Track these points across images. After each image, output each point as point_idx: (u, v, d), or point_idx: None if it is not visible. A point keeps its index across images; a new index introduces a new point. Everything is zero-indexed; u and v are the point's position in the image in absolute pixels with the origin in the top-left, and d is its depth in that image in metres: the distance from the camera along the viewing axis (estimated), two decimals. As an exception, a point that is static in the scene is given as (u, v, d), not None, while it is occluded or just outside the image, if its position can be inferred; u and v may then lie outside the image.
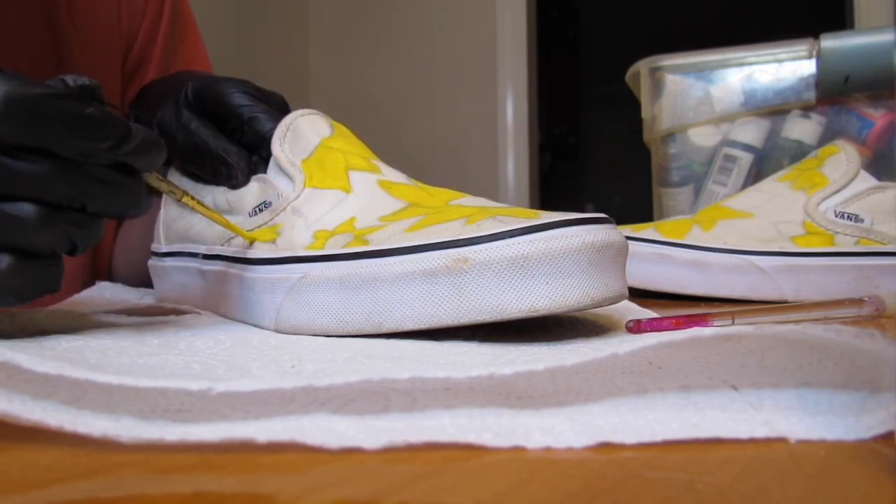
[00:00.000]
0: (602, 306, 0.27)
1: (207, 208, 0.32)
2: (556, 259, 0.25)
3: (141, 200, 0.28)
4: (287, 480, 0.15)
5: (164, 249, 0.41)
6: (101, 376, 0.17)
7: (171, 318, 0.33)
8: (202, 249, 0.37)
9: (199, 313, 0.35)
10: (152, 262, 0.43)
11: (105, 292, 0.46)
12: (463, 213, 0.28)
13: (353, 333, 0.28)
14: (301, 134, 0.35)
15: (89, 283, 0.55)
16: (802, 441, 0.16)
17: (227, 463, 0.16)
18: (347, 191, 0.33)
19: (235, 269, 0.33)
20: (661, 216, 0.74)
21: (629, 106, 0.91)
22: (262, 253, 0.32)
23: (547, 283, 0.25)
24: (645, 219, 0.60)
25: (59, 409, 0.17)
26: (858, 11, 1.79)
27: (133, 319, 0.32)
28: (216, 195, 0.37)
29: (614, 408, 0.18)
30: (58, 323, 0.30)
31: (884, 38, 0.65)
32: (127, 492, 0.14)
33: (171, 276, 0.40)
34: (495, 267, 0.25)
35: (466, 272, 0.25)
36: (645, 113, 0.77)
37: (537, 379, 0.18)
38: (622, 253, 0.28)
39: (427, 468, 0.15)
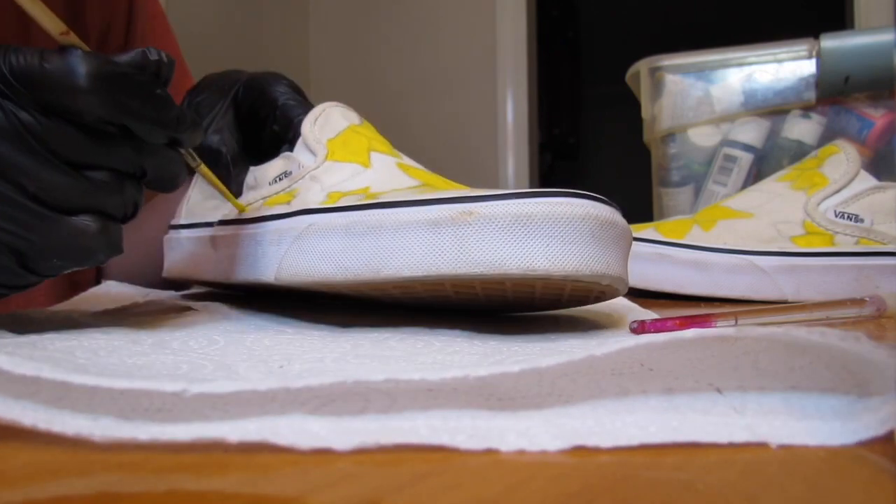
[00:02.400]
0: (601, 284, 0.27)
1: (218, 182, 0.35)
2: (558, 222, 0.26)
3: (184, 172, 0.30)
4: (287, 481, 0.15)
5: (184, 222, 0.42)
6: (78, 378, 0.17)
7: (171, 316, 0.33)
8: (218, 217, 0.38)
9: (199, 310, 0.35)
10: (168, 236, 0.43)
11: (111, 290, 0.47)
12: (467, 188, 0.30)
13: (350, 279, 0.28)
14: (331, 119, 0.37)
15: (70, 286, 0.57)
16: (784, 446, 0.16)
17: (229, 463, 0.16)
18: (367, 166, 0.34)
19: (248, 229, 0.34)
20: (661, 216, 0.74)
21: (629, 106, 0.91)
22: (274, 210, 0.33)
23: (547, 244, 0.26)
24: (645, 219, 0.60)
25: (37, 408, 0.17)
26: (858, 11, 1.79)
27: (131, 318, 0.32)
28: (256, 169, 0.39)
29: (593, 410, 0.18)
30: (57, 322, 0.30)
31: (884, 38, 0.65)
32: (130, 489, 0.14)
33: (183, 246, 0.41)
34: (499, 222, 0.26)
35: (470, 224, 0.26)
36: (645, 113, 0.77)
37: (522, 381, 0.18)
38: (624, 237, 0.28)
39: (428, 468, 0.15)
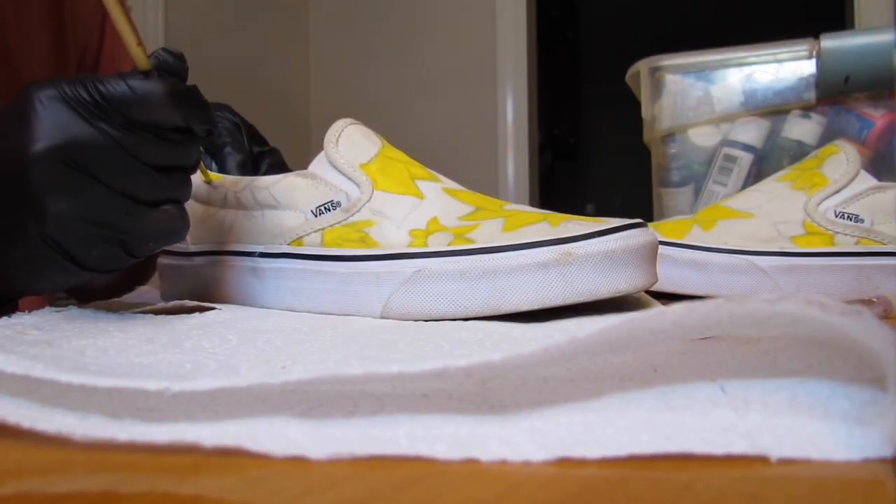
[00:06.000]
0: (648, 289, 0.34)
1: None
2: (631, 253, 0.32)
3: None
4: (287, 481, 0.15)
5: (195, 249, 0.42)
6: (66, 376, 0.17)
7: (194, 315, 0.34)
8: (258, 248, 0.38)
9: (221, 309, 0.36)
10: (173, 262, 0.43)
11: (145, 295, 0.48)
12: (535, 217, 0.34)
13: (471, 315, 0.32)
14: (355, 140, 0.39)
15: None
16: (784, 460, 0.15)
17: (226, 465, 0.16)
18: (421, 197, 0.37)
19: (314, 265, 0.36)
20: (661, 216, 0.74)
21: (629, 106, 0.91)
22: (357, 251, 0.35)
23: (625, 270, 0.32)
24: (645, 219, 0.59)
25: (30, 406, 0.17)
26: (858, 11, 1.79)
27: (154, 318, 0.33)
28: (255, 191, 0.39)
29: (583, 415, 0.17)
30: (82, 321, 0.30)
31: (884, 38, 0.65)
32: (131, 489, 0.14)
33: (202, 274, 0.41)
34: (592, 259, 0.31)
35: (571, 264, 0.31)
36: (645, 113, 0.77)
37: (522, 387, 0.18)
38: (657, 249, 0.36)
39: (428, 469, 0.15)
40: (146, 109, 0.30)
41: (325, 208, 0.37)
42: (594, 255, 0.31)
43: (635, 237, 0.33)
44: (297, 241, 0.37)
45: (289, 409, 0.17)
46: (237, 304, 0.39)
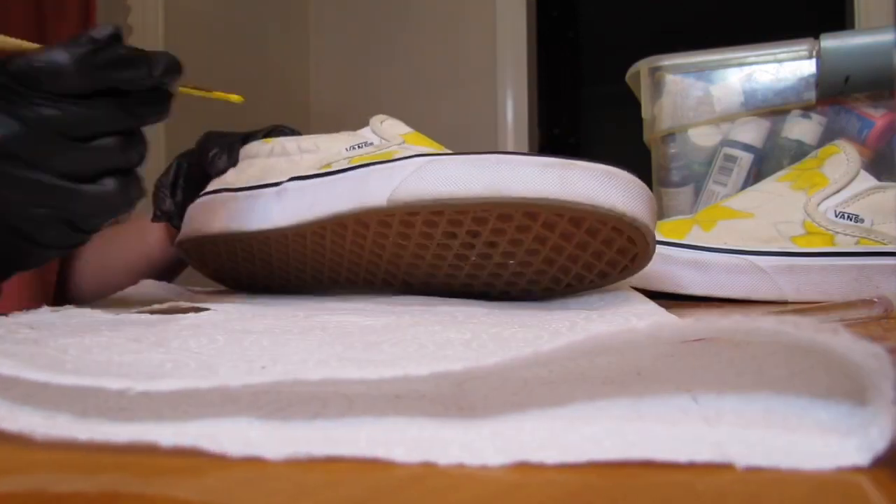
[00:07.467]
0: (643, 235, 0.36)
1: (201, 91, 0.40)
2: (634, 184, 0.35)
3: (169, 108, 0.36)
4: (285, 481, 0.15)
5: (238, 185, 0.47)
6: (32, 374, 0.17)
7: (188, 316, 0.33)
8: (283, 178, 0.43)
9: (216, 311, 0.36)
10: (206, 200, 0.47)
11: (147, 289, 0.48)
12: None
13: (471, 197, 0.35)
14: (395, 124, 0.45)
15: (38, 296, 0.59)
16: (751, 468, 0.15)
17: (226, 465, 0.16)
18: (441, 150, 0.41)
19: (335, 177, 0.40)
20: (661, 216, 0.74)
21: (629, 106, 0.91)
22: (377, 160, 0.39)
23: (625, 192, 0.35)
24: (645, 219, 0.59)
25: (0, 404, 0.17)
26: (858, 11, 1.79)
27: (147, 318, 0.33)
28: (300, 141, 0.45)
29: (550, 421, 0.17)
30: (76, 320, 0.31)
31: (884, 38, 0.65)
32: (131, 489, 0.14)
33: (234, 206, 0.45)
34: (594, 171, 0.35)
35: (572, 169, 0.34)
36: (645, 113, 0.77)
37: (498, 389, 0.18)
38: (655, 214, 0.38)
39: (428, 468, 0.15)
40: (55, 80, 0.31)
41: (358, 146, 0.42)
42: (595, 169, 0.34)
43: (641, 184, 0.35)
44: (326, 165, 0.42)
45: (256, 410, 0.17)
46: (255, 226, 0.43)
